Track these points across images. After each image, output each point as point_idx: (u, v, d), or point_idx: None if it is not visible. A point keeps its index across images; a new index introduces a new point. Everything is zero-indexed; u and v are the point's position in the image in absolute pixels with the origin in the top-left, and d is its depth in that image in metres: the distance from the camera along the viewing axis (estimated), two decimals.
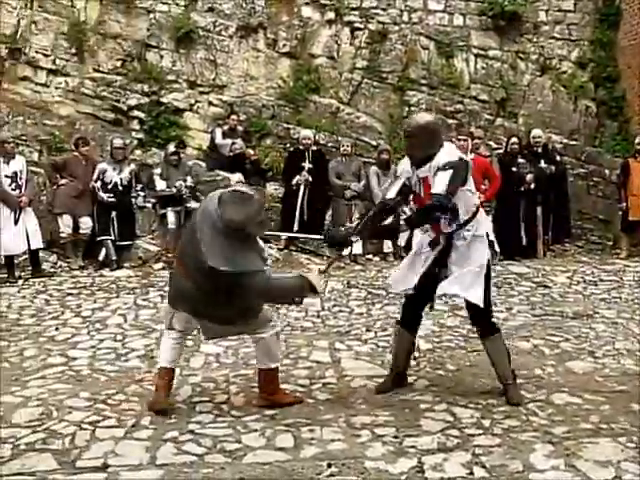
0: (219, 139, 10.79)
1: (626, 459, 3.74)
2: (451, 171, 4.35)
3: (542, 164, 10.50)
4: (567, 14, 12.77)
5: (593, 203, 11.64)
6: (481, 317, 4.67)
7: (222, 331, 4.52)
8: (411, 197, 4.75)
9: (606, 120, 12.67)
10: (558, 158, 10.95)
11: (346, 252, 4.94)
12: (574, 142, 12.11)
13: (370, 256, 10.13)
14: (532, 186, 10.23)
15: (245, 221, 4.01)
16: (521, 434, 4.07)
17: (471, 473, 3.61)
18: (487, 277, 4.57)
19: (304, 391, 4.82)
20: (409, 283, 4.72)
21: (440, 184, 4.35)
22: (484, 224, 4.71)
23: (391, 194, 4.73)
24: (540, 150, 10.66)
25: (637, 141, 10.78)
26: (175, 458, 3.75)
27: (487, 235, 4.64)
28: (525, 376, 5.07)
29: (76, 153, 9.82)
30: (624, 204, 10.64)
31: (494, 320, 4.79)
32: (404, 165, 4.74)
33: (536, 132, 10.81)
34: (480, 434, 4.08)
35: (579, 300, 7.64)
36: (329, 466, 3.69)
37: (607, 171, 11.71)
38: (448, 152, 4.51)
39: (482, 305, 4.52)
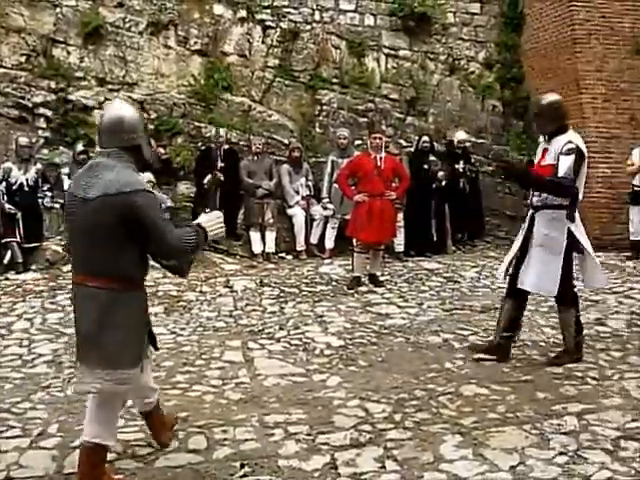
0: None
1: (530, 445, 3.88)
2: (573, 156, 5.04)
3: (461, 164, 10.81)
4: (474, 17, 13.08)
5: (500, 199, 11.97)
6: (560, 293, 5.16)
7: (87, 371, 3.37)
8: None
9: (512, 119, 13.07)
10: (473, 159, 11.32)
11: None
12: (482, 140, 12.44)
13: (283, 254, 10.14)
14: (443, 183, 10.47)
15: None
16: (432, 426, 4.16)
17: (383, 467, 3.67)
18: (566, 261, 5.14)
19: (217, 392, 4.78)
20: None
21: (565, 168, 5.05)
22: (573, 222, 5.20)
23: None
24: (461, 152, 10.98)
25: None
26: None
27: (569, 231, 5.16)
28: (436, 369, 5.20)
29: None
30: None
31: (575, 295, 5.38)
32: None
33: (463, 137, 11.11)
34: (392, 428, 4.15)
35: (487, 294, 7.85)
36: (242, 466, 3.68)
37: None
38: (571, 136, 5.20)
39: (555, 294, 5.19)
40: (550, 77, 12.17)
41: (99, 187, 3.27)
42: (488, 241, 11.55)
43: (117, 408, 3.55)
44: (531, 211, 5.45)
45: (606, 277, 5.62)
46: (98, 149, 3.64)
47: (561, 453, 3.78)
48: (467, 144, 11.20)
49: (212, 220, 3.59)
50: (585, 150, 5.24)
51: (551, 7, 12.09)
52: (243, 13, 11.98)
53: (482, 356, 5.44)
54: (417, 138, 11.05)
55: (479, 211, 11.30)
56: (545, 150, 5.33)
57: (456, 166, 10.81)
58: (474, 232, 11.31)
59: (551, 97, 5.45)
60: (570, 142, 5.13)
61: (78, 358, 3.46)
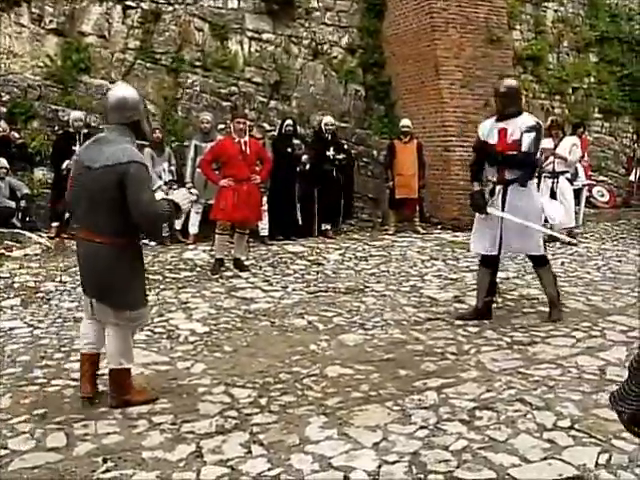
0: None
1: (392, 421, 3.99)
2: (534, 133, 5.72)
3: (331, 151, 10.87)
4: (337, 2, 13.22)
5: (363, 182, 12.23)
6: (537, 256, 6.03)
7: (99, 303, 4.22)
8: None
9: (374, 104, 13.35)
10: (345, 146, 11.42)
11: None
12: (345, 124, 12.63)
13: (146, 241, 9.89)
14: (307, 167, 10.55)
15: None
16: (297, 409, 4.20)
17: (249, 452, 3.65)
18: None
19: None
20: (485, 245, 6.04)
21: (527, 144, 5.72)
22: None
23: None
24: (330, 137, 11.03)
25: (402, 124, 11.50)
26: None
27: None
28: (301, 352, 5.24)
29: None
30: (391, 183, 11.32)
31: (545, 255, 6.13)
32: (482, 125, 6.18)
33: (328, 119, 11.17)
34: (257, 413, 4.14)
35: (351, 276, 8.02)
36: (104, 461, 3.56)
37: (375, 152, 12.35)
38: (530, 117, 5.92)
39: (540, 253, 5.98)
40: (411, 63, 12.54)
41: (102, 159, 3.98)
42: (352, 224, 11.78)
43: (131, 338, 4.43)
44: (500, 186, 5.93)
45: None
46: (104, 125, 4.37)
47: (422, 427, 3.91)
48: (332, 127, 11.30)
49: (181, 196, 4.41)
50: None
51: None
52: None
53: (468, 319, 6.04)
54: (280, 122, 11.07)
55: (350, 196, 11.46)
56: (502, 130, 5.84)
57: (327, 153, 10.85)
58: (344, 216, 11.47)
59: (513, 82, 6.21)
60: (530, 121, 5.82)
61: (93, 296, 4.23)
